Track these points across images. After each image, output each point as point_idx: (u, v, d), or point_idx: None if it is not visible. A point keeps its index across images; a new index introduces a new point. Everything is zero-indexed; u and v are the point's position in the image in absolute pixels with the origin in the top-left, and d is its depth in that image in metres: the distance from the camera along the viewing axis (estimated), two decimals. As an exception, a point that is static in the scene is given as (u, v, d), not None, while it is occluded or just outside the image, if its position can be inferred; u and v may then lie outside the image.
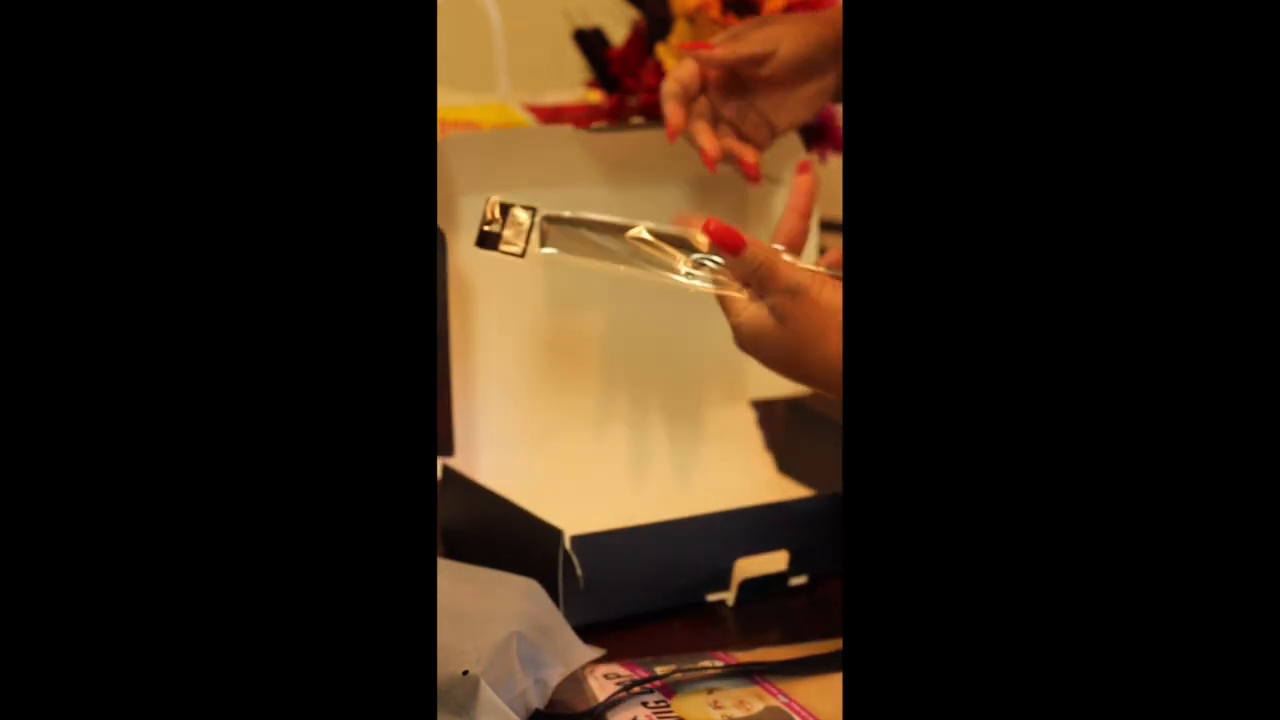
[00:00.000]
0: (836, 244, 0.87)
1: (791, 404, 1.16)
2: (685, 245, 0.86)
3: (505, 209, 0.88)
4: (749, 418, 1.17)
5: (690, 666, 0.88)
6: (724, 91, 1.00)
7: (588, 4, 1.35)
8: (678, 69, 0.98)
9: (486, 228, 0.88)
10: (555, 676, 0.83)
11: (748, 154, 0.99)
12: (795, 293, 0.82)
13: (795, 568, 1.00)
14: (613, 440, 1.12)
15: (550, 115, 1.40)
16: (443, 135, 1.05)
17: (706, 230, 0.84)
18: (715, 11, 1.20)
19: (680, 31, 1.24)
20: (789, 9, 1.19)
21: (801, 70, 0.99)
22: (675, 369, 1.14)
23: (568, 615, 0.89)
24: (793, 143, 1.12)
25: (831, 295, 0.82)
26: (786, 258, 0.84)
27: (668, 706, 0.84)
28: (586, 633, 0.88)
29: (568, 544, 0.92)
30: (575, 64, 1.36)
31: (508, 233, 0.88)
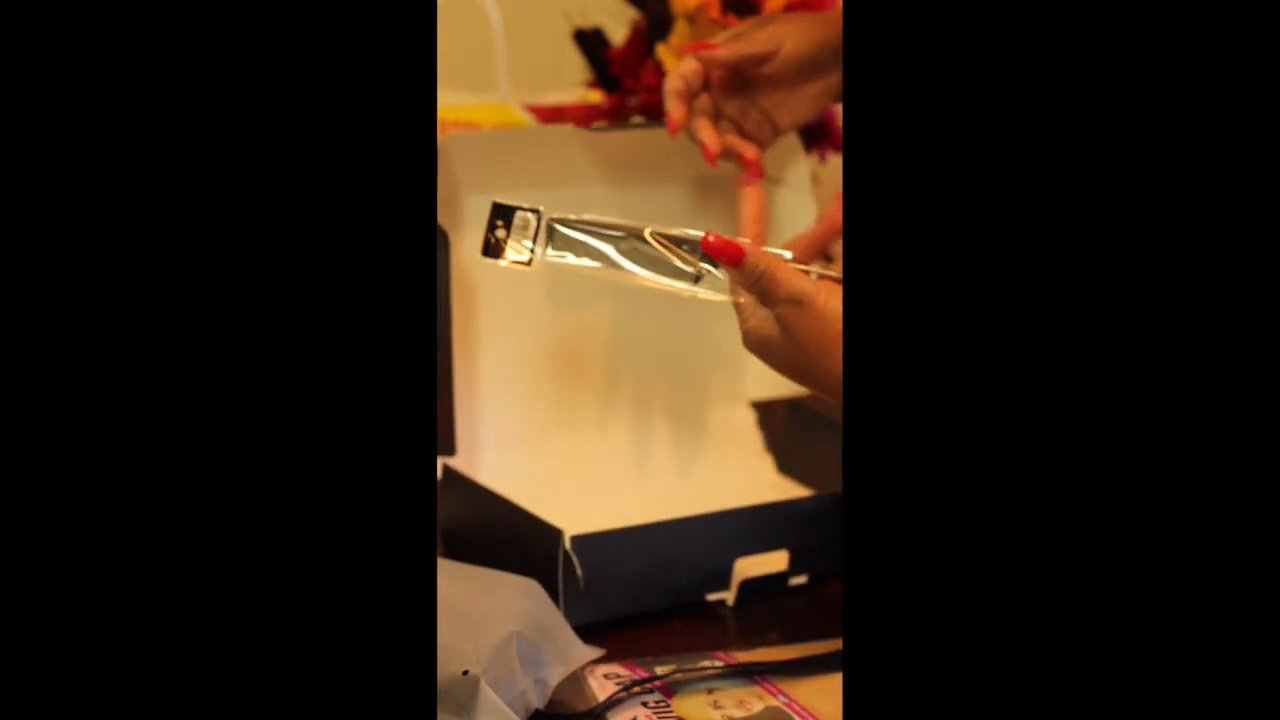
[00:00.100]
0: (836, 244, 0.87)
1: (791, 404, 1.16)
2: (695, 248, 0.85)
3: (509, 213, 0.87)
4: (749, 418, 1.17)
5: (690, 666, 0.88)
6: (726, 89, 1.00)
7: (588, 4, 1.35)
8: (680, 65, 0.98)
9: (491, 235, 0.87)
10: (555, 676, 0.83)
11: (748, 150, 0.99)
12: (799, 303, 0.81)
13: (795, 568, 1.00)
14: (613, 440, 1.12)
15: (550, 115, 1.40)
16: (443, 135, 1.05)
17: (705, 244, 0.83)
18: (715, 11, 1.20)
19: (680, 31, 1.24)
20: (789, 8, 1.19)
21: (804, 70, 0.99)
22: (676, 369, 1.14)
23: (568, 615, 0.89)
24: (793, 143, 1.12)
25: (837, 305, 0.81)
26: (792, 263, 0.84)
27: (668, 706, 0.84)
28: (586, 633, 0.88)
29: (568, 544, 0.92)
30: (575, 64, 1.36)
31: (513, 240, 0.86)
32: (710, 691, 0.86)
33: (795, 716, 0.83)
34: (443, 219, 1.03)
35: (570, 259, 0.87)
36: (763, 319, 0.83)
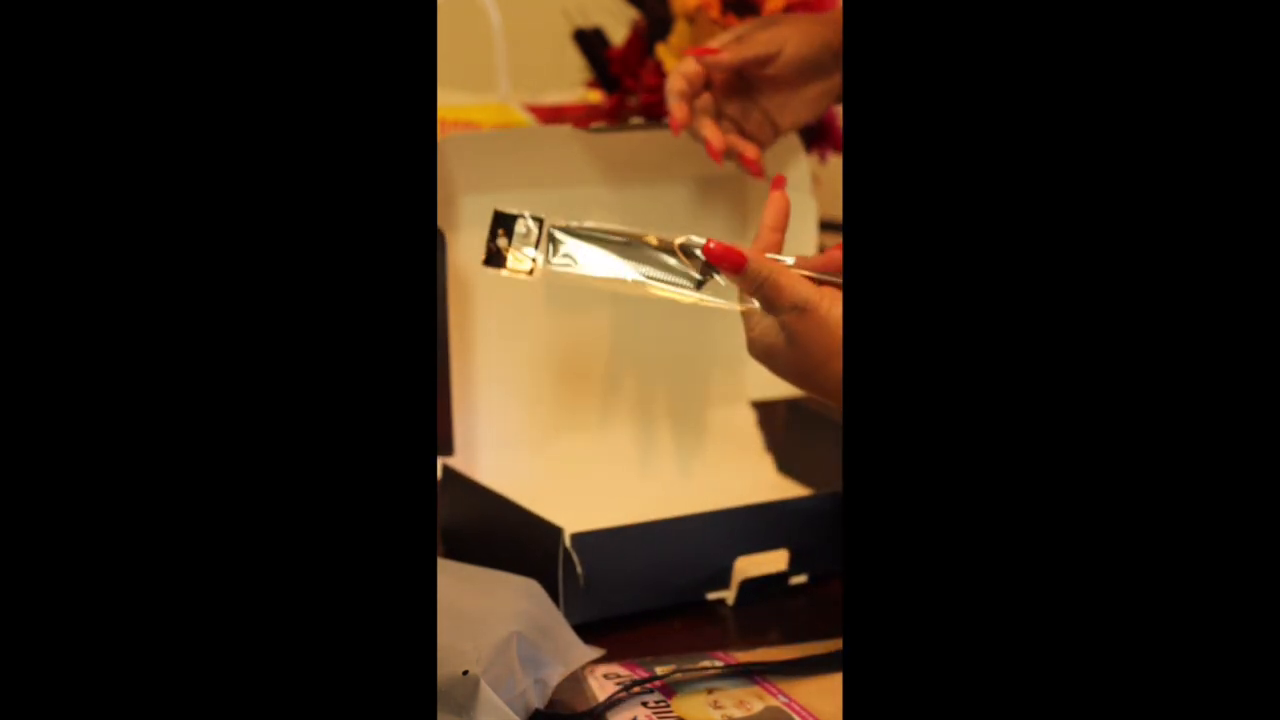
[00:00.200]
0: (836, 242, 0.87)
1: (791, 404, 1.16)
2: (698, 255, 0.85)
3: (510, 221, 0.86)
4: (749, 418, 1.17)
5: (690, 666, 0.88)
6: (728, 90, 1.00)
7: (588, 4, 1.35)
8: (682, 65, 0.98)
9: (493, 244, 0.86)
10: (555, 676, 0.83)
11: (749, 149, 1.00)
12: (802, 310, 0.81)
13: (795, 567, 1.00)
14: (613, 440, 1.12)
15: (550, 115, 1.40)
16: (443, 135, 1.05)
17: (707, 251, 0.83)
18: (715, 11, 1.20)
19: (680, 31, 1.24)
20: (789, 9, 1.19)
21: (806, 71, 1.00)
22: (676, 370, 1.14)
23: (568, 614, 0.89)
24: (793, 143, 1.12)
25: (840, 312, 0.81)
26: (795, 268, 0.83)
27: (668, 706, 0.84)
28: (586, 632, 0.88)
29: (568, 542, 0.92)
30: (575, 64, 1.36)
31: (514, 249, 0.86)
32: (710, 691, 0.86)
33: (795, 716, 0.83)
34: (441, 219, 1.03)
35: (572, 269, 0.86)
36: (767, 326, 0.83)
